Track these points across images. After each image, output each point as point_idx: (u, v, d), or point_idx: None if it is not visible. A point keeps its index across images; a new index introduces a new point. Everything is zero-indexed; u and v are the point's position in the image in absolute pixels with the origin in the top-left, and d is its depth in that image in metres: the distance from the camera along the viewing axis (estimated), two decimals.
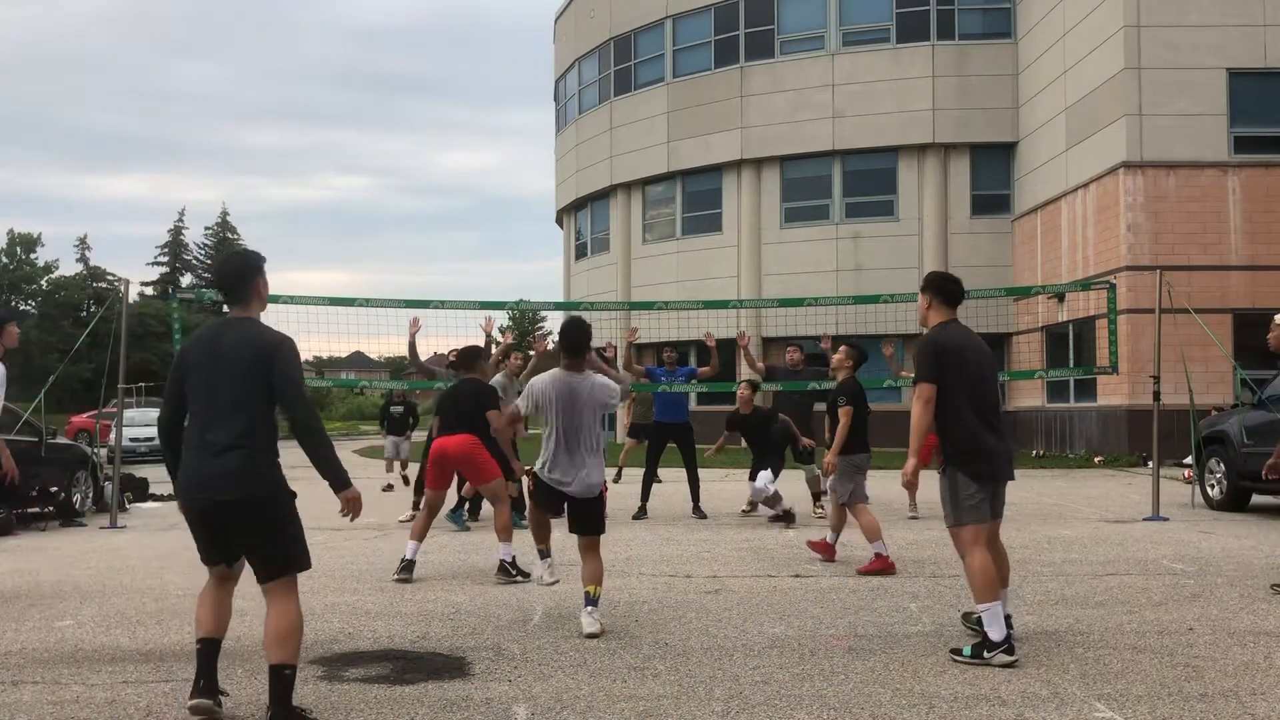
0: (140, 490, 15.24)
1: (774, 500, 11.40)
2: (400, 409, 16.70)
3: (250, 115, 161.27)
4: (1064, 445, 24.45)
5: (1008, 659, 5.29)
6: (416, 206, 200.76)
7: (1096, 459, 22.00)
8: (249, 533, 4.42)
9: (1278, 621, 6.49)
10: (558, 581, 7.09)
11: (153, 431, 27.57)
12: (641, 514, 12.28)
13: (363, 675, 5.27)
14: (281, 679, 4.30)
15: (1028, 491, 15.68)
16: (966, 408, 5.55)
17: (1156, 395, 12.62)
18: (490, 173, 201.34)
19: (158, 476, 17.85)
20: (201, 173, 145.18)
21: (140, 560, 9.26)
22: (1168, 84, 21.94)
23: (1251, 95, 22.03)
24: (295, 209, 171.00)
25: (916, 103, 28.69)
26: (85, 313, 66.37)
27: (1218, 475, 13.12)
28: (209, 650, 4.48)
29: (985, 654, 5.33)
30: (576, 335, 6.33)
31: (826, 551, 8.92)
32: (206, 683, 4.42)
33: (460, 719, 4.58)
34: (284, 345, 4.54)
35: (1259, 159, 21.83)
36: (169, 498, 15.46)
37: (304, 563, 4.53)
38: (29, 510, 12.65)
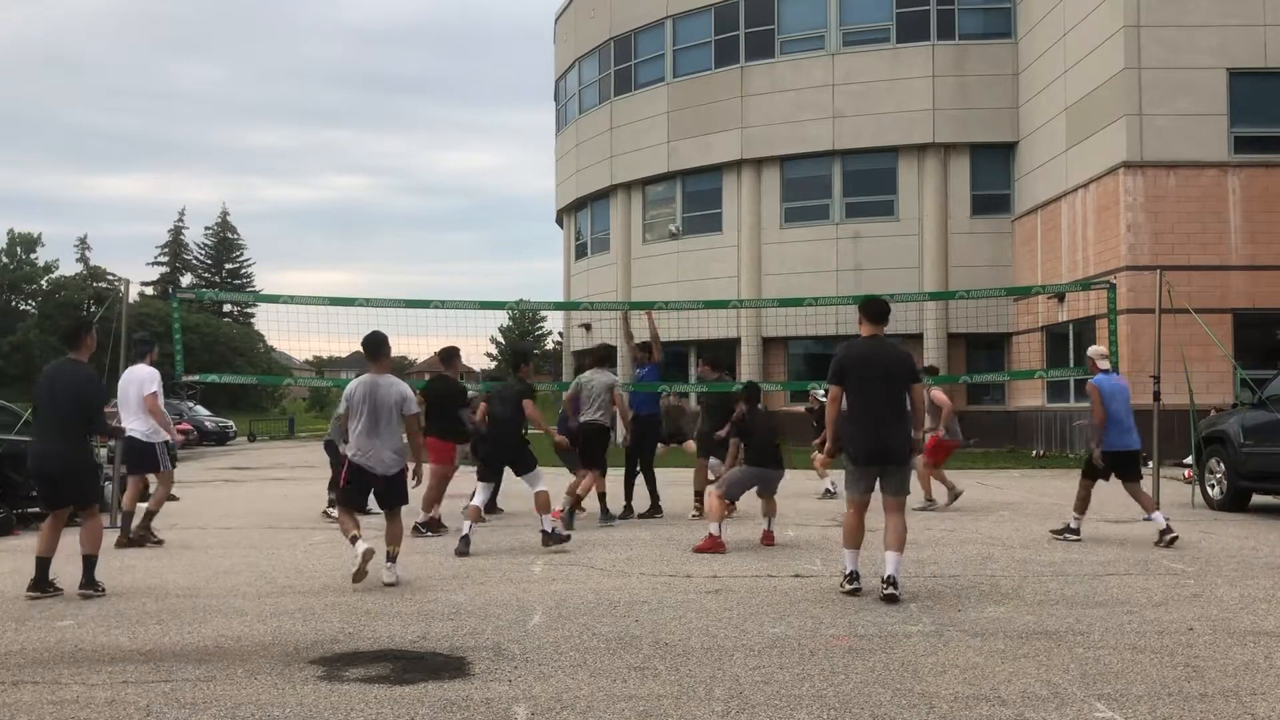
0: (140, 490, 15.20)
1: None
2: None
3: (250, 115, 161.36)
4: (1064, 445, 24.45)
5: (850, 586, 7.23)
6: (416, 206, 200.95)
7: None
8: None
9: (1278, 621, 6.49)
10: (370, 555, 7.66)
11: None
12: (627, 513, 12.20)
13: (363, 675, 5.27)
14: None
15: (1028, 491, 15.68)
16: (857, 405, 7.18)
17: (1156, 395, 12.63)
18: (490, 173, 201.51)
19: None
20: (201, 173, 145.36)
21: (140, 560, 9.26)
22: (1168, 84, 21.94)
23: (1251, 95, 22.03)
24: (295, 209, 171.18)
25: (916, 103, 28.69)
26: (85, 313, 66.36)
27: (1218, 475, 13.11)
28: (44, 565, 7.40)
29: (842, 584, 7.32)
30: (372, 344, 8.07)
31: (717, 546, 9.49)
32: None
33: (460, 719, 4.58)
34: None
35: (1259, 159, 21.83)
36: (169, 498, 15.45)
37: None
38: (29, 510, 12.64)
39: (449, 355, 11.84)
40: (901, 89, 28.86)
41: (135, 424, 10.28)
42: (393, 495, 7.99)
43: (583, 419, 11.56)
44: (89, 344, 7.70)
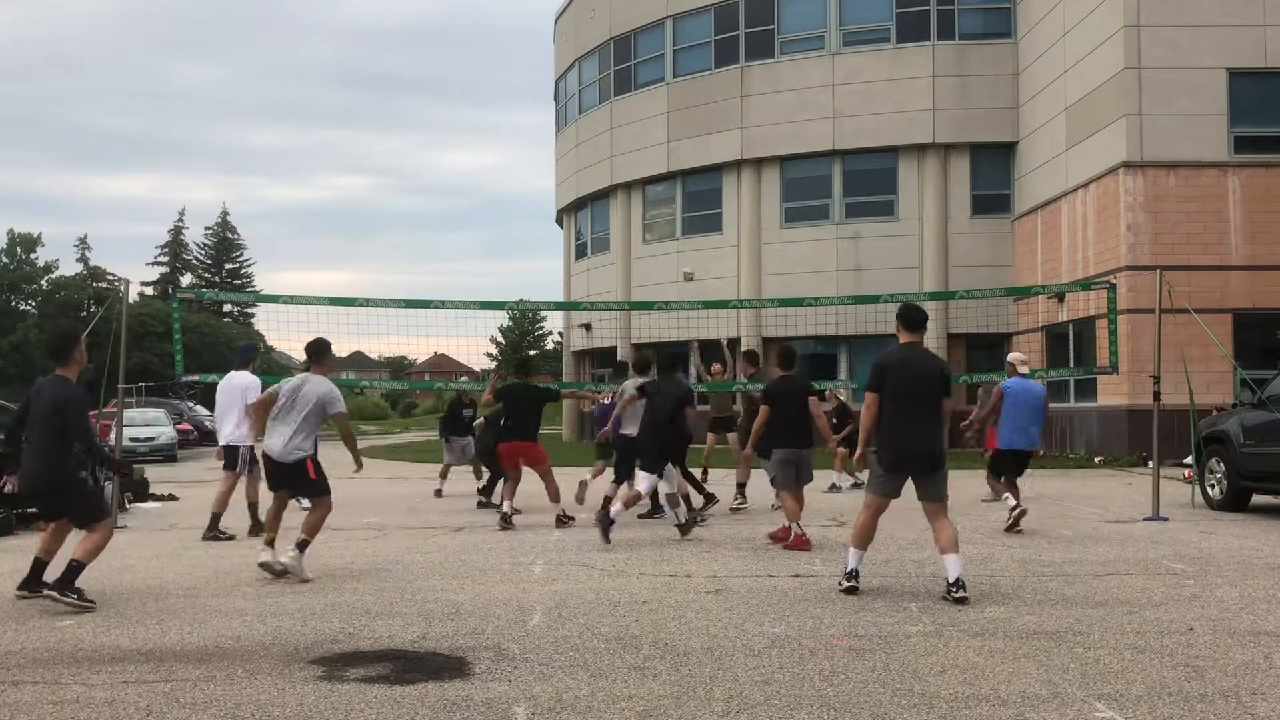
0: (140, 490, 15.23)
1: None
2: (471, 411, 15.58)
3: (250, 115, 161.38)
4: (1064, 445, 24.44)
5: (847, 584, 7.28)
6: (416, 206, 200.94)
7: (1096, 459, 22.00)
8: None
9: (1278, 621, 6.49)
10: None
11: (153, 431, 27.58)
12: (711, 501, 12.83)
13: (363, 675, 5.27)
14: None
15: (1027, 491, 15.66)
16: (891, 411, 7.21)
17: (1156, 395, 12.62)
18: (490, 173, 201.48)
19: (158, 476, 17.88)
20: (201, 173, 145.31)
21: (140, 560, 9.26)
22: (1168, 84, 21.93)
23: (1251, 95, 22.02)
24: (295, 209, 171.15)
25: (916, 103, 28.68)
26: (85, 313, 66.35)
27: (1218, 475, 13.11)
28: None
29: (841, 581, 7.37)
30: (314, 349, 8.53)
31: (789, 538, 9.64)
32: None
33: (460, 719, 4.58)
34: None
35: (1259, 159, 21.82)
36: (169, 498, 15.47)
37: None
38: (29, 510, 12.64)
39: (524, 365, 13.23)
40: (901, 89, 28.85)
41: (228, 428, 11.01)
42: (289, 482, 8.37)
43: (626, 432, 11.83)
44: (78, 358, 7.27)
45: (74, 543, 7.26)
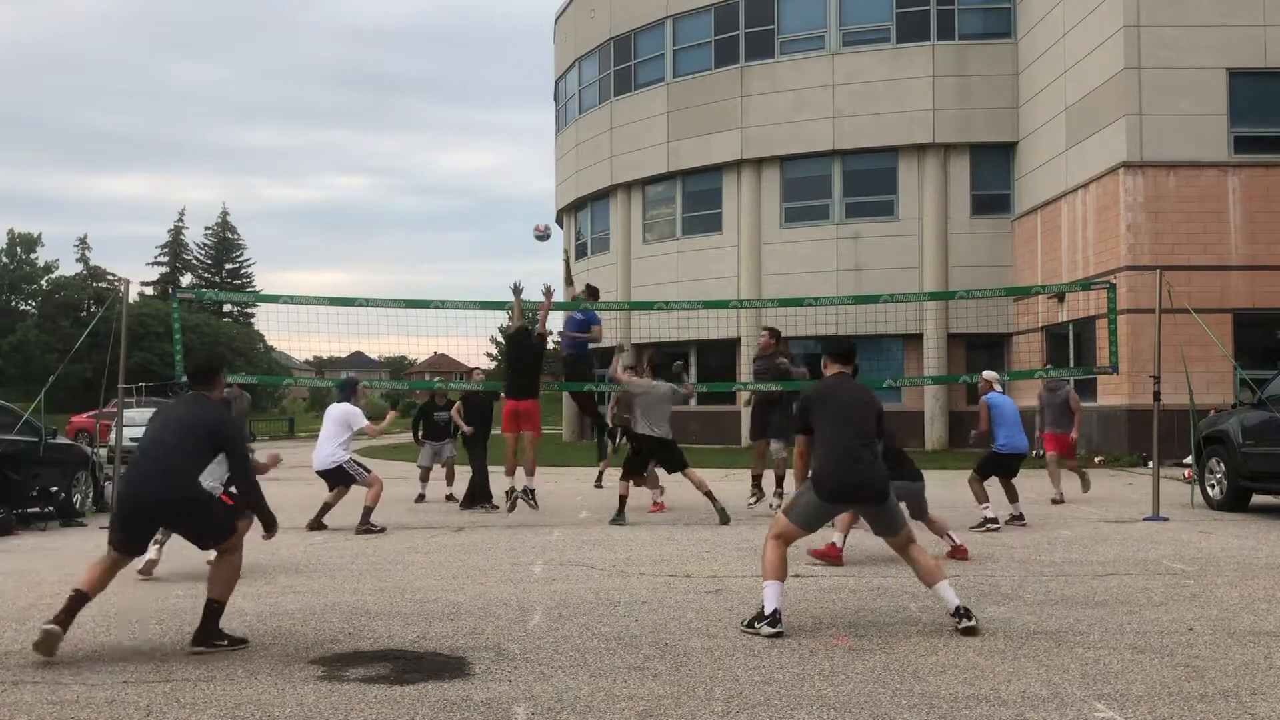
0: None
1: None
2: (445, 414, 14.93)
3: (250, 115, 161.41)
4: None
5: (770, 630, 6.16)
6: (416, 206, 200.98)
7: (1097, 459, 22.01)
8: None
9: (1278, 621, 6.49)
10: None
11: None
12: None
13: (363, 675, 5.27)
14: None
15: (1028, 492, 15.65)
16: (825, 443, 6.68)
17: (1156, 395, 12.62)
18: (490, 173, 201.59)
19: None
20: (201, 173, 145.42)
21: (140, 560, 9.24)
22: (1168, 84, 21.93)
23: (1251, 95, 22.02)
24: (295, 209, 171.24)
25: (916, 103, 28.68)
26: (85, 313, 66.35)
27: (1218, 475, 13.11)
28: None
29: (754, 623, 6.28)
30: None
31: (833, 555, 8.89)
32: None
33: (460, 719, 4.58)
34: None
35: (1259, 159, 21.82)
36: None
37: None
38: (29, 510, 12.64)
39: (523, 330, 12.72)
40: (901, 89, 28.85)
41: (327, 450, 11.49)
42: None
43: (642, 432, 12.04)
44: (220, 385, 6.72)
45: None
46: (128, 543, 6.12)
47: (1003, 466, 11.81)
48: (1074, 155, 24.60)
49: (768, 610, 6.21)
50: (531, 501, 11.89)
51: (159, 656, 5.72)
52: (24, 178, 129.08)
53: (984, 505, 11.26)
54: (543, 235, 13.46)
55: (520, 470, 11.84)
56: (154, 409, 9.54)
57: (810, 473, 6.68)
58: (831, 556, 8.76)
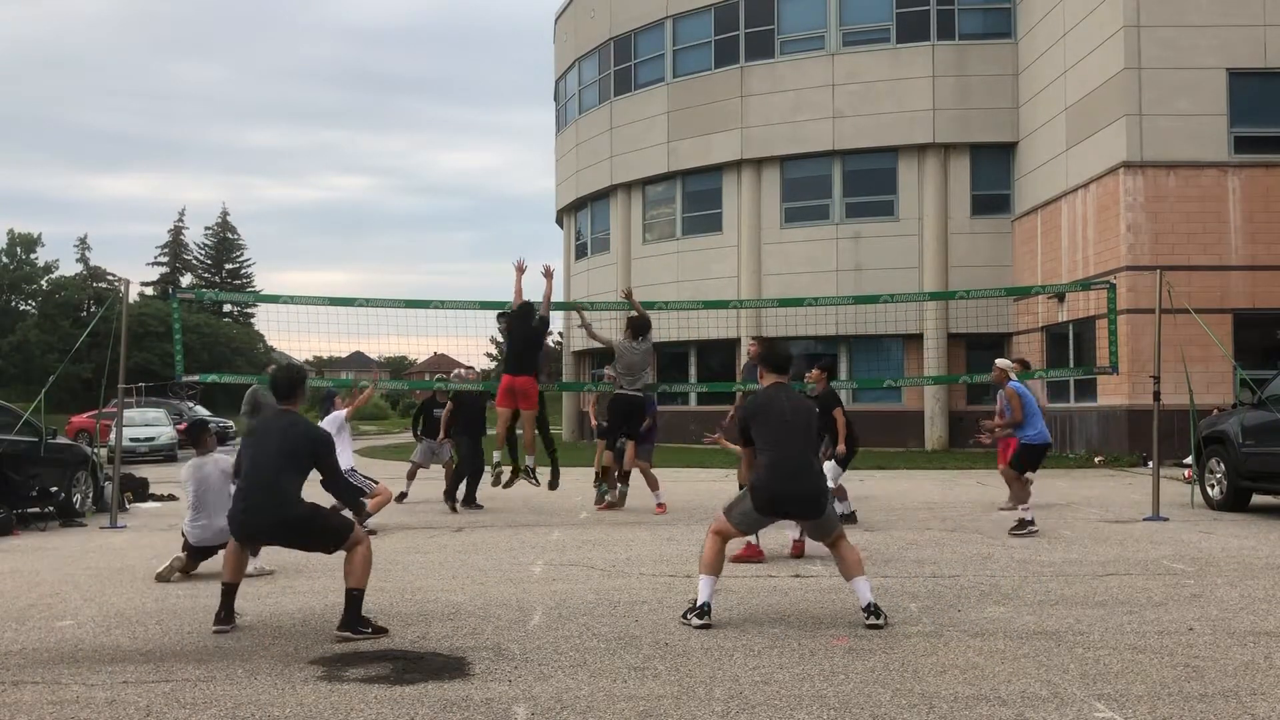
0: (140, 490, 15.23)
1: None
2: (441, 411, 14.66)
3: (250, 115, 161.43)
4: (1064, 445, 24.43)
5: (699, 621, 6.35)
6: (416, 206, 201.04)
7: (1097, 459, 22.00)
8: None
9: (1278, 621, 6.49)
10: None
11: (153, 431, 27.59)
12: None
13: (363, 675, 5.27)
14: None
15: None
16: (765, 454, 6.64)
17: (1156, 395, 12.62)
18: (490, 173, 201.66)
19: (158, 476, 17.86)
20: (201, 173, 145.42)
21: (140, 560, 9.26)
22: (1168, 84, 21.93)
23: (1251, 95, 22.01)
24: (295, 209, 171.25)
25: (916, 103, 28.68)
26: (85, 313, 66.37)
27: (1218, 475, 13.11)
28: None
29: (686, 615, 6.48)
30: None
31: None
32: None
33: (460, 719, 4.58)
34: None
35: (1259, 159, 21.81)
36: (169, 498, 15.46)
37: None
38: (29, 510, 12.64)
39: (526, 308, 12.46)
40: (902, 89, 28.84)
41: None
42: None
43: (622, 391, 12.26)
44: (302, 396, 6.89)
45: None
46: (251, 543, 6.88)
47: (1037, 459, 11.33)
48: (1074, 155, 24.60)
49: (700, 601, 6.42)
50: (533, 479, 11.93)
51: (159, 656, 5.72)
52: (24, 178, 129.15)
53: (1024, 506, 10.84)
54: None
55: (505, 451, 11.96)
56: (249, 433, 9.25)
57: (750, 482, 6.67)
58: (753, 557, 8.89)
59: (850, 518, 11.32)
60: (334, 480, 6.61)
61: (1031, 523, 10.69)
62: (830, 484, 11.50)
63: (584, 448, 28.81)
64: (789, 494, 6.49)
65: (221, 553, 6.86)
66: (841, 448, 11.46)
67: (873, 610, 6.34)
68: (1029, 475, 11.39)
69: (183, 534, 8.56)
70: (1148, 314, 18.10)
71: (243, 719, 4.58)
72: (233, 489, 7.06)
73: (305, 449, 6.40)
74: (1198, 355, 17.74)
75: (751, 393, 7.08)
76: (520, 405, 11.88)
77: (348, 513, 7.56)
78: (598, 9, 34.97)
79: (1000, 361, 11.85)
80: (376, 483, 11.32)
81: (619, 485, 12.89)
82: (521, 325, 12.07)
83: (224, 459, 8.57)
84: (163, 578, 8.27)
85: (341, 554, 6.36)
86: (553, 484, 13.07)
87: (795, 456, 6.52)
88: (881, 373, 28.48)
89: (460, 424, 13.81)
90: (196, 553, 8.44)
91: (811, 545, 9.76)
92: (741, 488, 7.09)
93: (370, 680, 5.17)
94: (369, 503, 11.06)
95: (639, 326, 12.60)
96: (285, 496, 6.29)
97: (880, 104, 28.91)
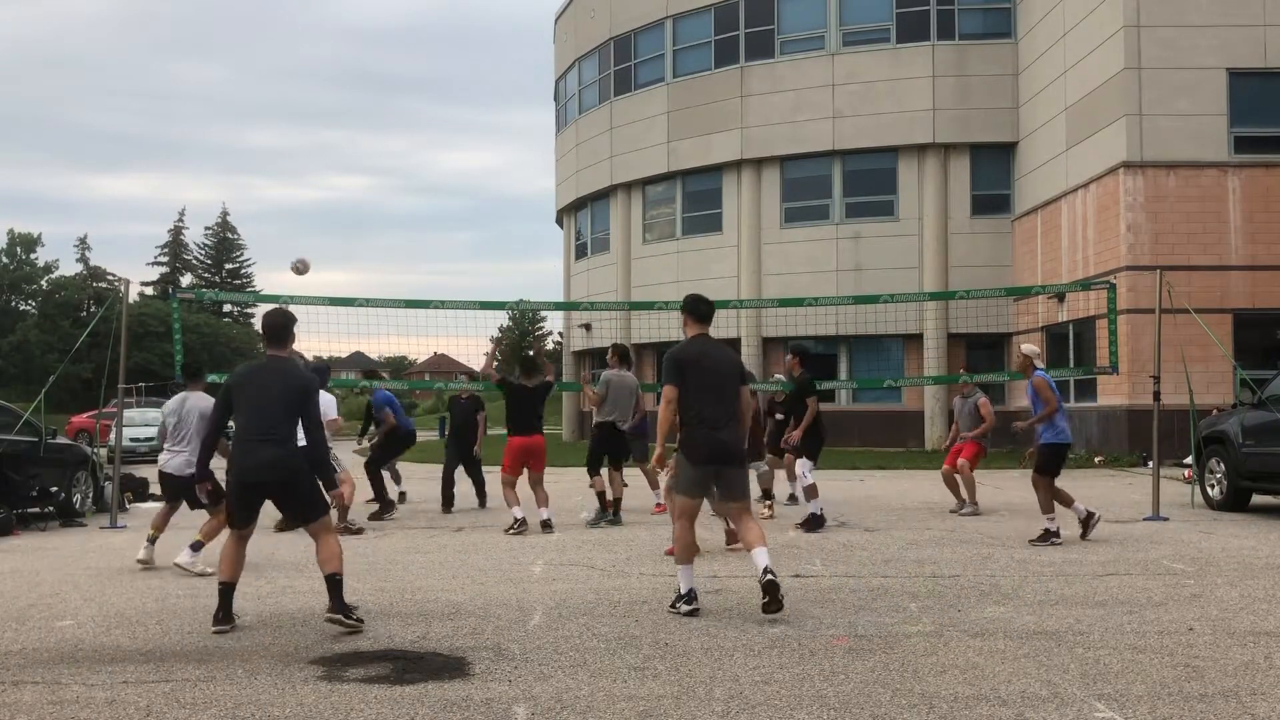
0: (140, 490, 15.22)
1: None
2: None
3: (250, 115, 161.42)
4: None
5: (687, 608, 6.65)
6: (416, 206, 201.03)
7: (1097, 459, 22.01)
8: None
9: (1278, 621, 6.49)
10: None
11: (153, 431, 27.57)
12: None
13: (363, 675, 5.27)
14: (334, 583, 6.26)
15: (1028, 491, 15.66)
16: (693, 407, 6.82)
17: (1156, 395, 12.62)
18: (490, 173, 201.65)
19: (158, 476, 17.83)
20: (201, 173, 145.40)
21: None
22: (1168, 84, 21.93)
23: (1251, 95, 22.01)
24: (295, 209, 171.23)
25: (916, 103, 28.68)
26: (85, 313, 66.39)
27: (1218, 475, 13.11)
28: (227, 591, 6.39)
29: (675, 604, 6.74)
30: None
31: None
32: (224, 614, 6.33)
33: (460, 719, 4.58)
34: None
35: (1259, 159, 21.82)
36: None
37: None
38: (29, 510, 12.64)
39: (529, 364, 12.02)
40: (901, 89, 28.85)
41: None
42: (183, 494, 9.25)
43: (602, 420, 12.01)
44: (291, 342, 6.76)
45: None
46: (248, 521, 6.61)
47: (1059, 459, 10.33)
48: (1074, 155, 24.60)
49: (683, 590, 6.76)
50: (551, 530, 11.16)
51: (159, 656, 5.72)
52: (24, 178, 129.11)
53: (1049, 515, 10.05)
54: (299, 269, 12.30)
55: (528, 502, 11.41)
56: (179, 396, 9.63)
57: (679, 445, 6.90)
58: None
59: (818, 519, 11.10)
60: (315, 431, 6.50)
61: (1056, 534, 9.92)
62: (804, 481, 11.48)
63: (583, 448, 28.81)
64: (717, 446, 6.77)
65: (219, 549, 6.83)
66: (796, 434, 11.40)
67: (769, 570, 6.51)
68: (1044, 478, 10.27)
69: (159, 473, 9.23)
70: (1148, 314, 18.10)
71: (243, 719, 4.58)
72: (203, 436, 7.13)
73: (300, 395, 6.41)
74: (1198, 355, 17.74)
75: (679, 342, 7.15)
76: (532, 468, 11.31)
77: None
78: (598, 9, 34.97)
79: (1026, 347, 10.71)
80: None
81: (613, 512, 12.34)
82: (532, 390, 11.48)
83: (205, 402, 9.00)
84: (145, 561, 8.76)
85: (311, 545, 6.48)
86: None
87: (721, 414, 6.81)
88: (881, 373, 28.48)
89: (454, 427, 13.86)
90: (168, 489, 9.16)
91: (810, 541, 9.76)
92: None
93: (370, 680, 5.17)
94: (344, 490, 10.55)
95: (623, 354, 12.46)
96: (292, 445, 6.38)
97: (880, 104, 28.91)
